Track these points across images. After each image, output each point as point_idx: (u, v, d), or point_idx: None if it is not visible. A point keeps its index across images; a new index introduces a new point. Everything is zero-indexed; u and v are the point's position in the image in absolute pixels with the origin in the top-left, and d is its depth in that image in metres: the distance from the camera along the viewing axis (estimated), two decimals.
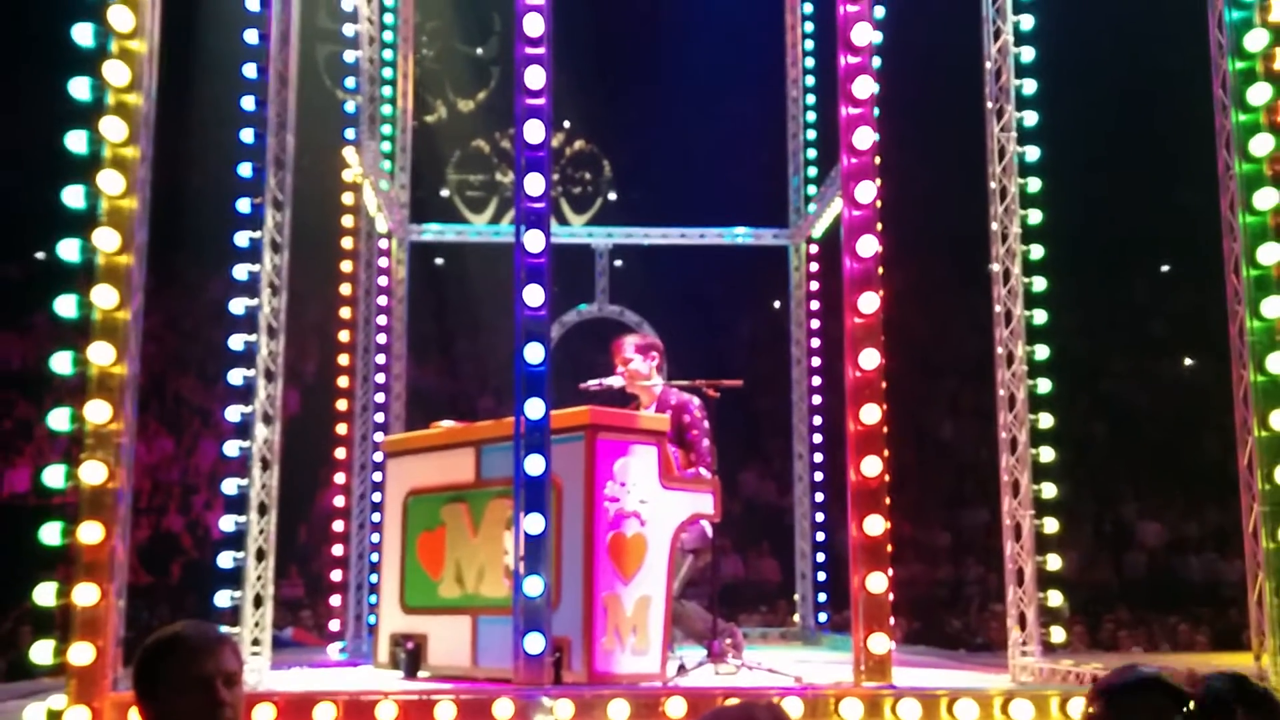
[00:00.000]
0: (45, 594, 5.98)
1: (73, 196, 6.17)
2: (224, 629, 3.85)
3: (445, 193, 23.14)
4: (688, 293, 18.24)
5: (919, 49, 12.80)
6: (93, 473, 6.02)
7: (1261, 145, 6.75)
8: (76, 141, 6.19)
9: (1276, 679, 6.36)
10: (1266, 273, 6.66)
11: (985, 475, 8.94)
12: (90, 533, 5.99)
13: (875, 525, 6.74)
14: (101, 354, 6.09)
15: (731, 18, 15.91)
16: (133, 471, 6.27)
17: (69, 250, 6.15)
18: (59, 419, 6.13)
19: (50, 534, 5.98)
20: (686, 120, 19.70)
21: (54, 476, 6.06)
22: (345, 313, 11.58)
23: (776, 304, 13.38)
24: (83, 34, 6.28)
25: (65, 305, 6.13)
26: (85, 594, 5.95)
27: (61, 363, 6.13)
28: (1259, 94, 6.79)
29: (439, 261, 19.98)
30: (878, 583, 6.69)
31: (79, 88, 6.25)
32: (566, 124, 23.60)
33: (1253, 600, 6.67)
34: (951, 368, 19.52)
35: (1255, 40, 6.83)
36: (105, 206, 6.19)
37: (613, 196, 23.90)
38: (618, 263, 13.67)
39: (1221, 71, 7.01)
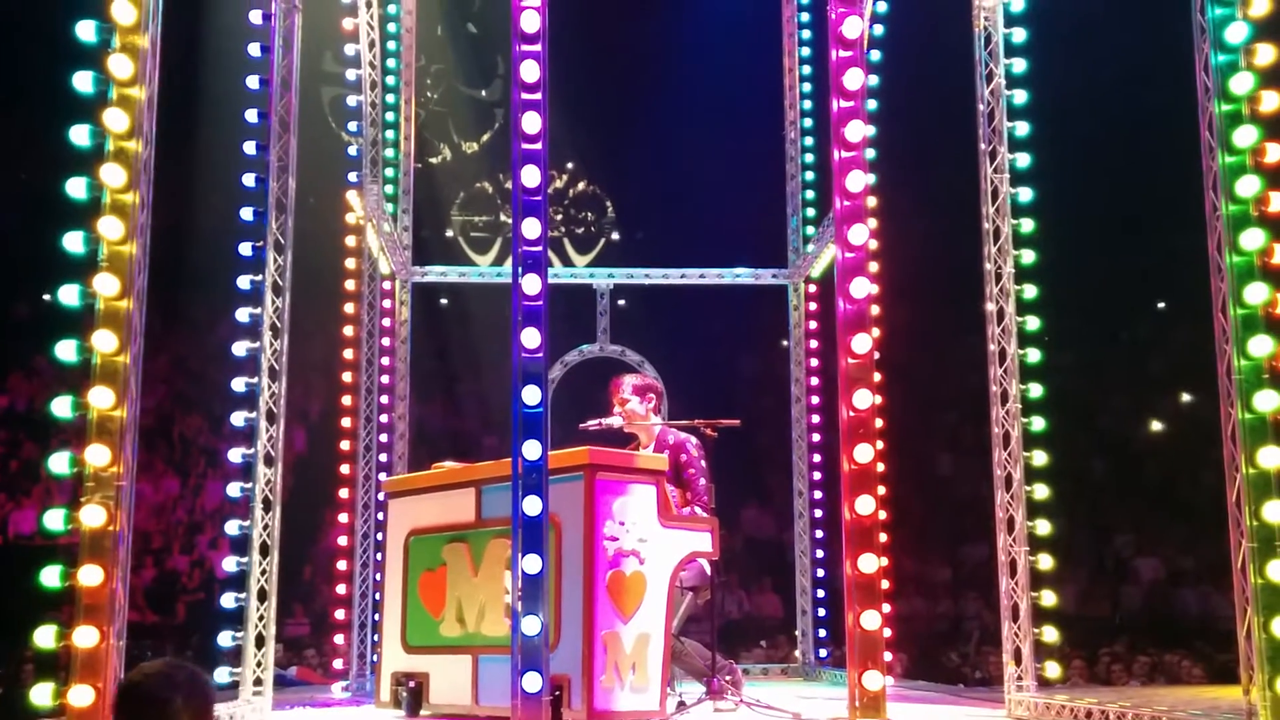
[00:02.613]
0: (45, 636, 6.03)
1: (72, 242, 6.23)
2: (191, 669, 3.83)
3: (450, 233, 23.27)
4: (689, 332, 18.29)
5: (914, 92, 12.91)
6: (92, 516, 6.06)
7: (1247, 187, 6.78)
8: (76, 187, 6.26)
9: (1265, 713, 6.39)
10: (1253, 312, 6.70)
11: (985, 511, 8.99)
12: (90, 575, 6.03)
13: (869, 563, 6.79)
14: (101, 398, 6.14)
15: (731, 62, 16.07)
16: (133, 514, 6.31)
17: (69, 295, 6.22)
18: (59, 463, 6.19)
19: (50, 576, 6.04)
20: (688, 162, 19.81)
21: (54, 519, 6.12)
22: (348, 353, 11.70)
23: (785, 343, 13.45)
24: (83, 81, 6.36)
25: (65, 350, 6.20)
26: (85, 636, 5.98)
27: (62, 407, 6.19)
28: (1245, 136, 6.84)
29: (444, 302, 20.08)
30: (871, 620, 6.74)
31: (79, 134, 6.33)
32: (570, 165, 23.75)
33: (1241, 635, 6.70)
34: (951, 405, 19.56)
35: (1240, 83, 6.88)
36: (105, 252, 6.25)
37: (616, 237, 24.00)
38: (621, 302, 13.76)
39: (1208, 114, 7.07)
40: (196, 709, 3.72)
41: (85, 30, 6.41)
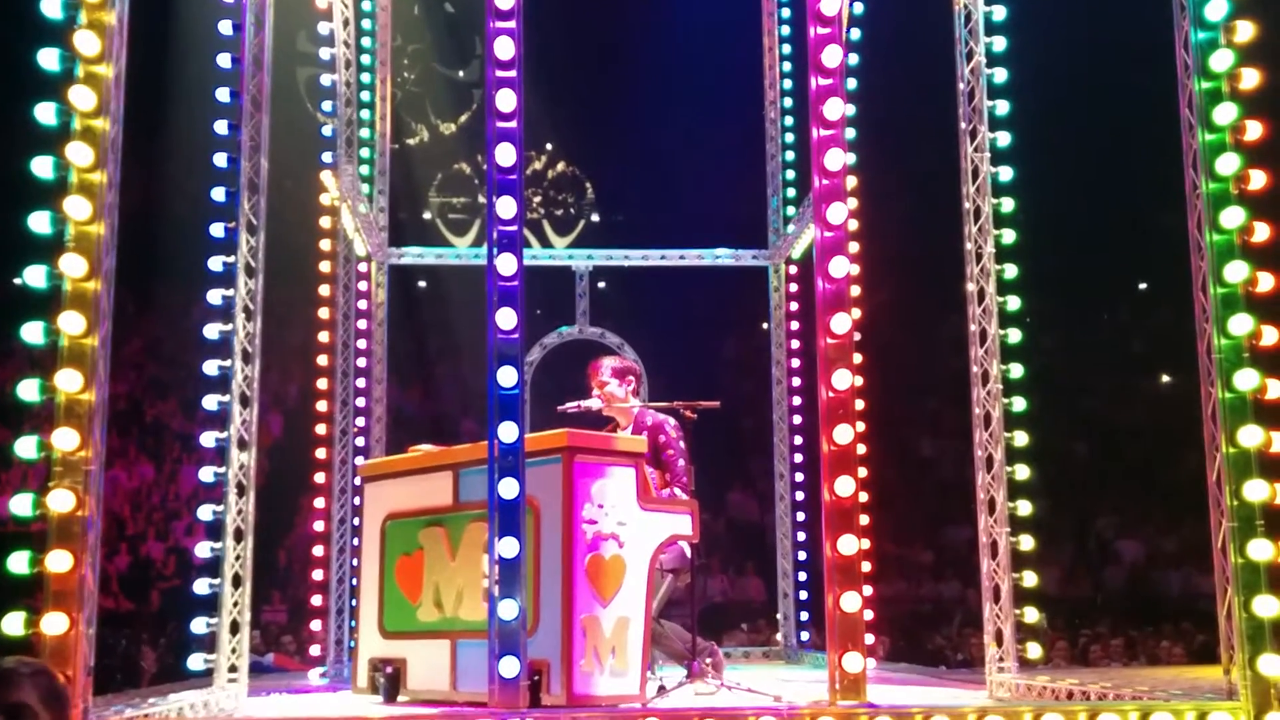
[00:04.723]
0: (13, 623, 5.93)
1: (39, 222, 6.13)
2: (31, 662, 3.79)
3: (428, 215, 23.19)
4: (669, 314, 18.26)
5: (894, 70, 12.86)
6: (60, 501, 5.97)
7: (1227, 164, 6.77)
8: (43, 167, 6.16)
9: (1245, 692, 6.38)
10: (1233, 290, 6.69)
11: (967, 493, 8.96)
12: (58, 561, 5.94)
13: (849, 545, 6.73)
14: (69, 381, 6.05)
15: (712, 42, 16.03)
16: (102, 499, 6.22)
17: (36, 276, 6.13)
18: (26, 447, 6.09)
19: (18, 562, 5.95)
20: (668, 143, 19.82)
21: (21, 504, 6.02)
22: (324, 336, 11.60)
23: (766, 325, 13.41)
24: (48, 59, 6.25)
25: (32, 332, 6.10)
26: (53, 623, 5.89)
27: (29, 390, 6.10)
28: (1225, 113, 6.82)
29: (422, 284, 19.99)
30: (851, 602, 6.69)
31: (45, 112, 6.22)
32: (549, 147, 23.72)
33: (1221, 615, 6.69)
34: (932, 386, 19.57)
35: (1220, 60, 6.86)
36: (72, 232, 6.15)
37: (595, 219, 23.97)
38: (601, 284, 13.71)
39: (1188, 91, 7.04)
40: (45, 687, 3.65)
41: (51, 6, 6.31)
